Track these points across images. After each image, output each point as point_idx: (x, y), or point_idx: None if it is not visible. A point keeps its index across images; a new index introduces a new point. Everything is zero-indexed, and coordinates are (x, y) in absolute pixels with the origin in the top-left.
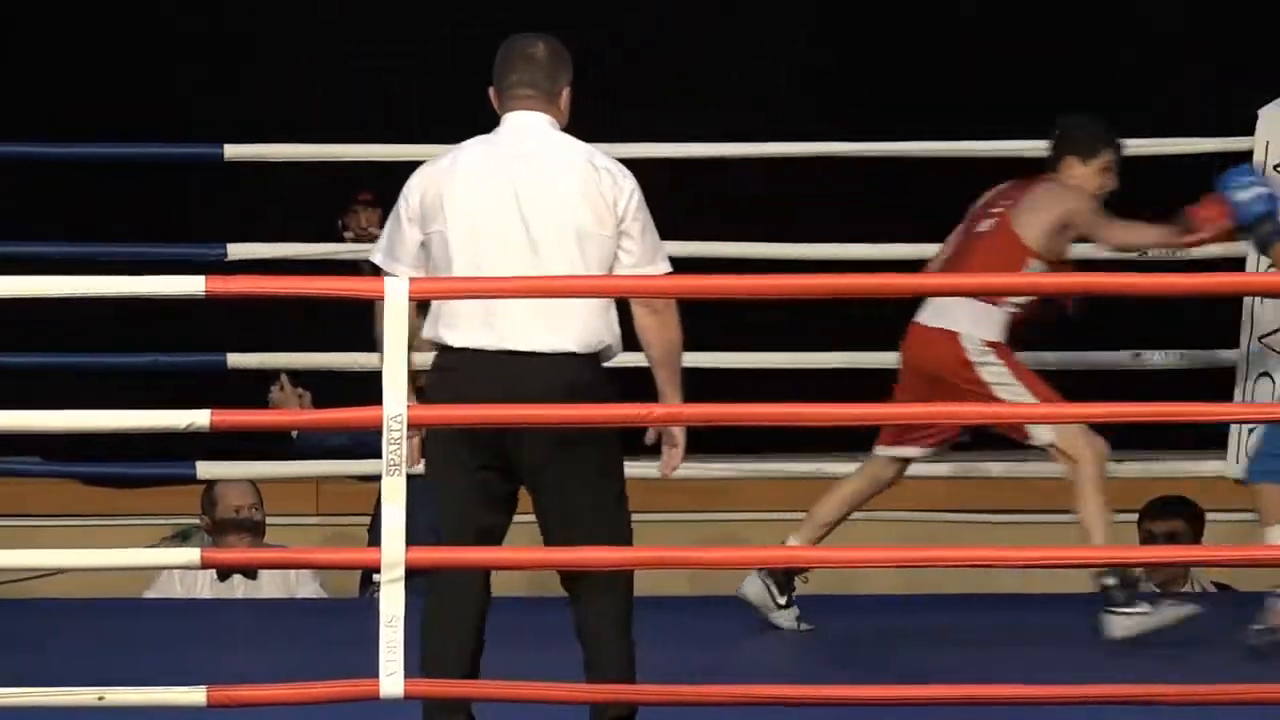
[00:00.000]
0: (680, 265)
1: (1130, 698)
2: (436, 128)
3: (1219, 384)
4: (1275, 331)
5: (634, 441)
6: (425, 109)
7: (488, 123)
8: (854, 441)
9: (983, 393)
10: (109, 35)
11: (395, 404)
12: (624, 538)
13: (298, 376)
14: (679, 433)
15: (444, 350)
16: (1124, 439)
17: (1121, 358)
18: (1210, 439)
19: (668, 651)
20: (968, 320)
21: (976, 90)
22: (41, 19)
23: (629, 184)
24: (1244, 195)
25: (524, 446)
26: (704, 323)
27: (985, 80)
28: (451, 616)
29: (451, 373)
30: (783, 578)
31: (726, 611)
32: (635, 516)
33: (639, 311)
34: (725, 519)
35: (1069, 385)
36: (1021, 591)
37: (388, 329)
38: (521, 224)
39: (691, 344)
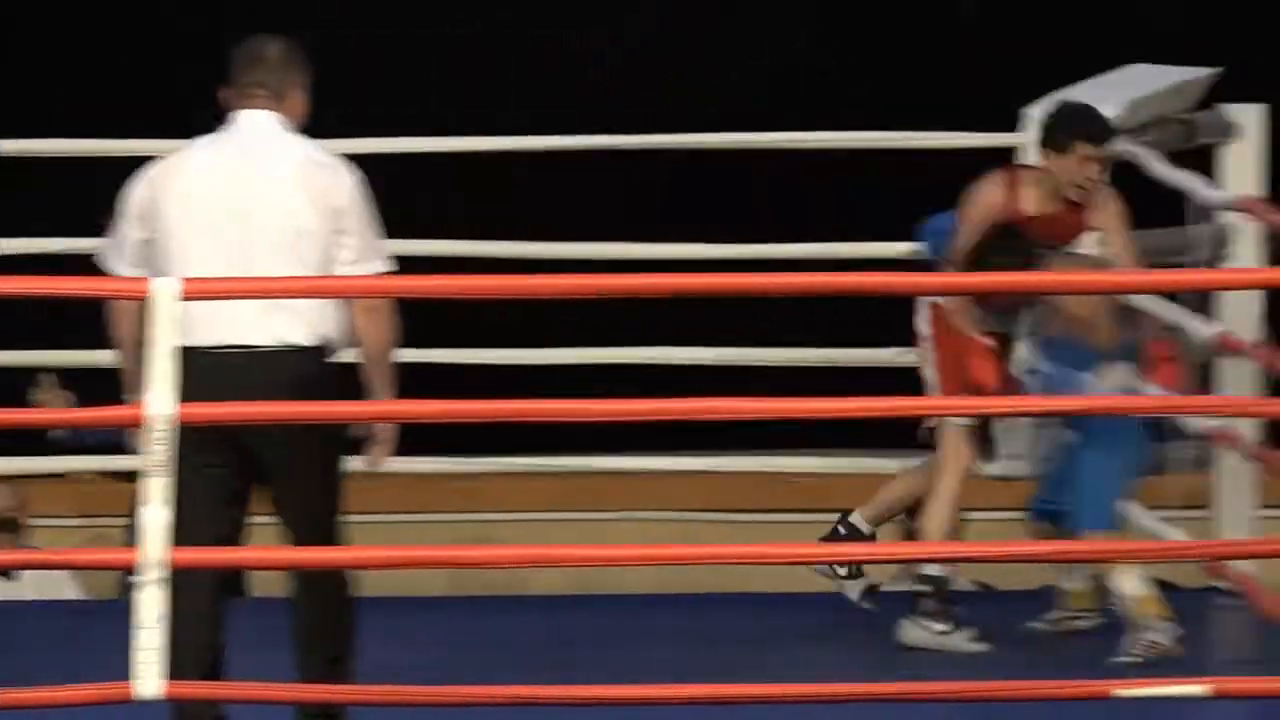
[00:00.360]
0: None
1: (894, 695)
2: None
3: None
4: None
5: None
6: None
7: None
8: (620, 440)
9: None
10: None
11: (160, 403)
12: (341, 529)
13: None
14: (389, 430)
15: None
16: (880, 436)
17: (886, 354)
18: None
19: (431, 651)
20: None
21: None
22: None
23: (349, 181)
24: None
25: (259, 442)
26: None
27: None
28: (188, 615)
29: (181, 371)
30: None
31: (489, 609)
32: (393, 516)
33: (356, 308)
34: (481, 519)
35: (837, 382)
36: (769, 591)
37: (157, 328)
38: (241, 220)
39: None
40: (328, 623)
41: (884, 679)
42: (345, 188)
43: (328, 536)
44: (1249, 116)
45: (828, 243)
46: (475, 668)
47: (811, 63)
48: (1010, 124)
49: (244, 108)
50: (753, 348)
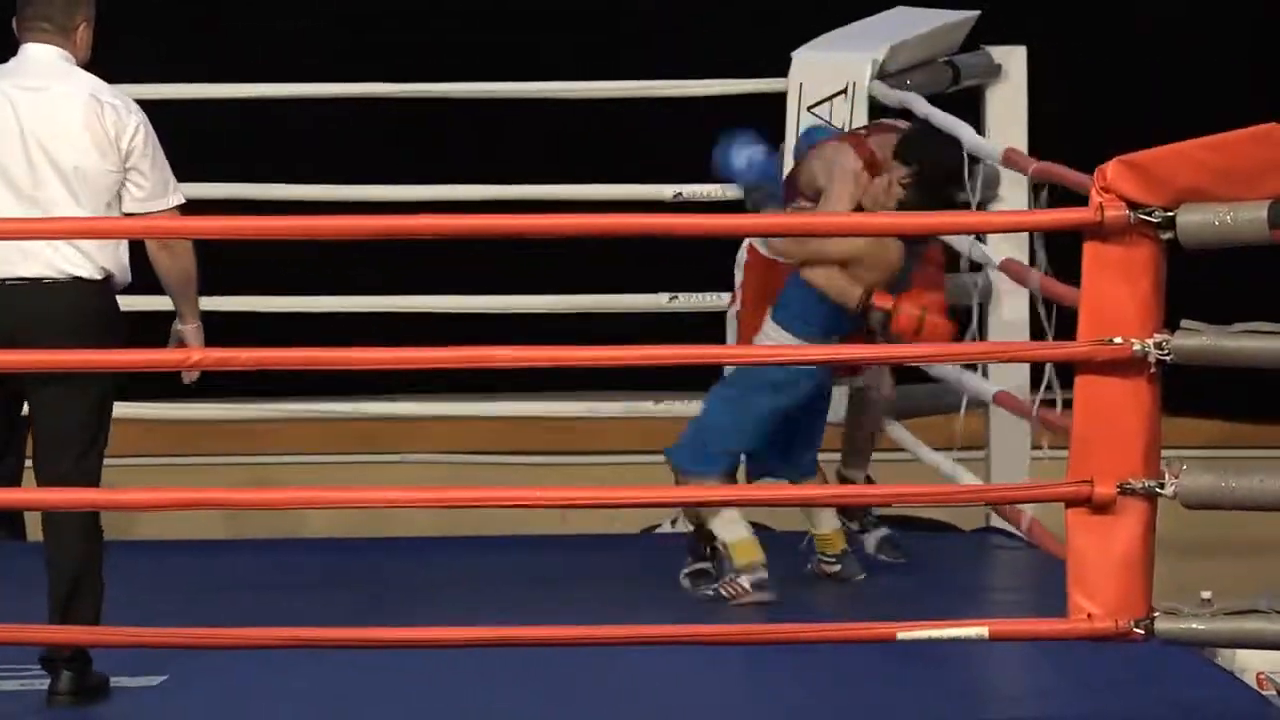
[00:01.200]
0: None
1: (678, 638)
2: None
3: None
4: None
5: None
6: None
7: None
8: (397, 384)
9: None
10: None
11: None
12: (97, 469)
13: None
14: (191, 339)
15: None
16: (653, 379)
17: (658, 300)
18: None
19: (206, 595)
20: None
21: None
22: None
23: (135, 120)
24: (739, 161)
25: (29, 377)
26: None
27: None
28: None
29: None
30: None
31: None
32: (172, 460)
33: (152, 244)
34: (257, 461)
35: (603, 329)
36: (542, 533)
37: None
38: (24, 155)
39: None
40: (82, 562)
41: (667, 622)
42: (131, 127)
43: (87, 476)
44: (1012, 57)
45: (600, 185)
46: (252, 610)
47: (582, 8)
48: (780, 70)
49: (28, 41)
50: (528, 295)
